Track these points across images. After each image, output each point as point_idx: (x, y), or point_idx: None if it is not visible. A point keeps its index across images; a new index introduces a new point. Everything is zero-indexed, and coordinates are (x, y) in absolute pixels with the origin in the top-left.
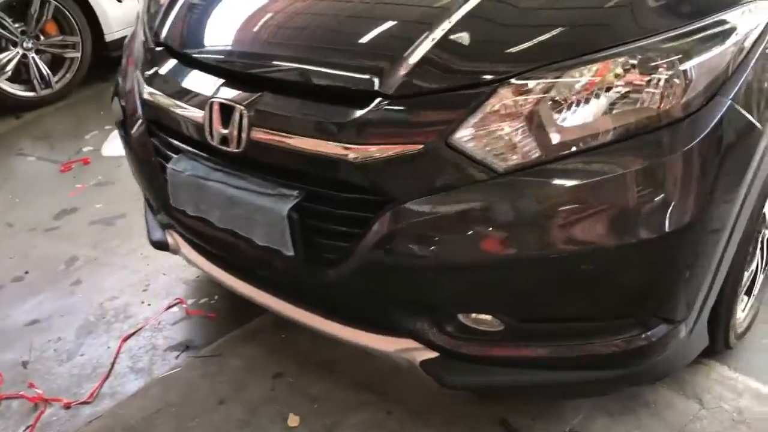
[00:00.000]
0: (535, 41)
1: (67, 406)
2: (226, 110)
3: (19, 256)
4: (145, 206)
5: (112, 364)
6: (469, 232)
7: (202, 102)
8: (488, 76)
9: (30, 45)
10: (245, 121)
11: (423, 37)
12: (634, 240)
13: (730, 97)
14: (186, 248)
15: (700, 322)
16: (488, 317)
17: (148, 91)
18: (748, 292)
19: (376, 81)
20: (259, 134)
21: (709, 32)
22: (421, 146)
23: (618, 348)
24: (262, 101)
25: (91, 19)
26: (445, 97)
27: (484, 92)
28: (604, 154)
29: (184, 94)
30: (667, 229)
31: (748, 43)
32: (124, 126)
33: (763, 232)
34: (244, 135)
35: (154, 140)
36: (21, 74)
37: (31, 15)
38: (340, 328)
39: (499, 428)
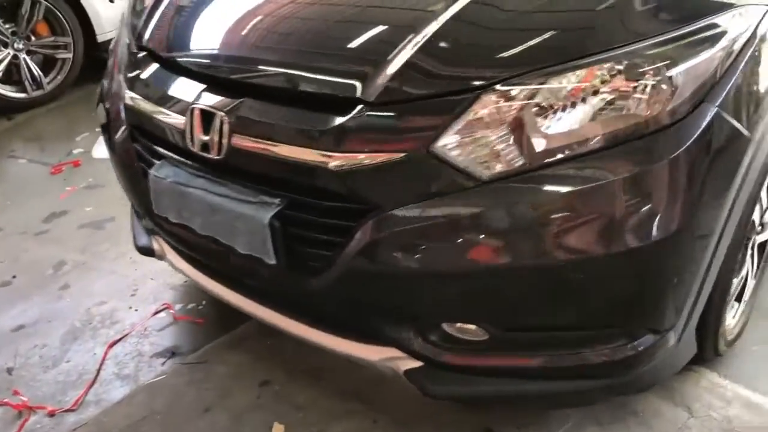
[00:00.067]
0: (519, 47)
1: (52, 414)
2: (207, 116)
3: (9, 260)
4: (132, 211)
5: (98, 371)
6: (453, 242)
7: (183, 108)
8: (471, 83)
9: (21, 46)
10: (226, 128)
11: (405, 42)
12: (619, 249)
13: (717, 103)
14: (171, 254)
15: (688, 331)
16: (472, 326)
17: (129, 96)
18: (739, 298)
19: (358, 88)
20: (240, 141)
21: (697, 37)
22: (404, 154)
23: (604, 358)
24: (243, 107)
25: (83, 19)
26: (428, 104)
27: (467, 99)
28: (590, 161)
29: (166, 100)
30: (653, 238)
31: (736, 48)
32: (107, 130)
33: (753, 238)
34: (224, 142)
35: (137, 145)
36: (12, 75)
37: (22, 16)
38: (324, 336)
39: None
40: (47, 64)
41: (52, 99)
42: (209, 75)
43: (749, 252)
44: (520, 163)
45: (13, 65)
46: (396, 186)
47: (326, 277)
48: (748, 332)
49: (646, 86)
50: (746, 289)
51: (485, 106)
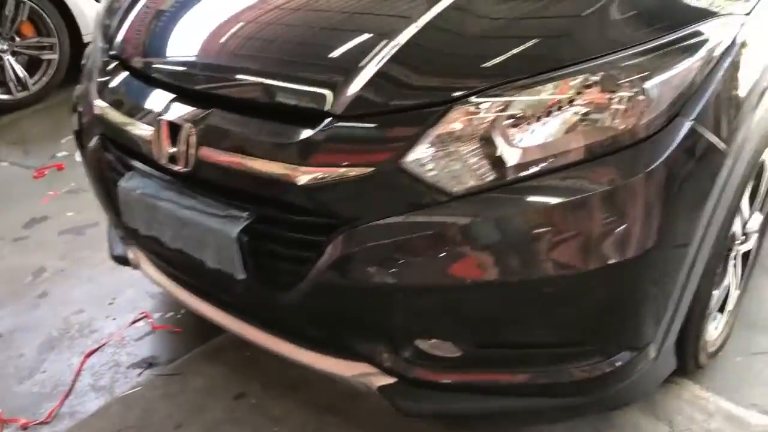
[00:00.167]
0: (493, 57)
1: (25, 427)
2: (175, 128)
3: None
4: (108, 219)
5: (73, 383)
6: (423, 258)
7: (151, 118)
8: (442, 95)
9: (5, 47)
10: (193, 140)
11: (375, 53)
12: (592, 265)
13: (694, 116)
14: (146, 264)
15: (666, 346)
16: (445, 343)
17: (99, 104)
18: (722, 309)
19: (326, 99)
20: (207, 153)
21: (677, 47)
22: (373, 169)
23: (580, 375)
24: (211, 119)
25: (69, 20)
26: (398, 116)
27: (438, 112)
28: (564, 175)
29: (134, 109)
30: (627, 255)
31: (715, 59)
32: (79, 137)
33: (734, 249)
34: (192, 154)
35: (107, 155)
36: None
37: (6, 16)
38: (297, 351)
39: None
40: (32, 65)
41: (37, 100)
42: (177, 85)
43: (732, 263)
44: (492, 177)
45: None
46: (366, 201)
47: (297, 292)
48: (732, 342)
49: (621, 98)
50: (729, 299)
51: (457, 120)
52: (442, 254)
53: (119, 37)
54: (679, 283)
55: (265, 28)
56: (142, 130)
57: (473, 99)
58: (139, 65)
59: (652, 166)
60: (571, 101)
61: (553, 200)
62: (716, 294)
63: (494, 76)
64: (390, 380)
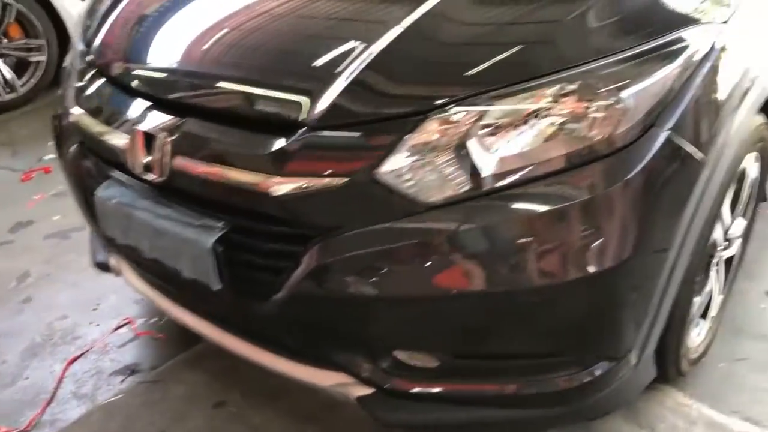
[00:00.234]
0: (469, 66)
1: None
2: (150, 137)
3: None
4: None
5: (55, 390)
6: (398, 268)
7: (126, 127)
8: (417, 105)
9: None
10: (168, 149)
11: (350, 61)
12: (568, 276)
13: (671, 126)
14: (127, 272)
15: (646, 355)
16: (421, 353)
17: (75, 111)
18: (705, 315)
19: (300, 109)
20: (182, 163)
21: (655, 55)
22: (347, 179)
23: (559, 385)
24: (186, 128)
25: (56, 21)
26: (372, 126)
27: (413, 122)
28: (540, 186)
29: (109, 117)
30: (603, 265)
31: (693, 69)
32: (58, 144)
33: (716, 255)
34: (167, 163)
35: (85, 162)
36: None
37: None
38: (275, 360)
39: None
40: (20, 67)
41: (26, 102)
42: (153, 93)
43: (714, 269)
44: (467, 188)
45: None
46: (341, 211)
47: (273, 303)
48: (716, 348)
49: (598, 108)
50: (712, 305)
51: (432, 129)
52: (418, 265)
53: (97, 42)
54: (657, 292)
55: (240, 37)
56: (117, 138)
57: (449, 108)
58: (116, 72)
59: (629, 176)
60: (548, 110)
61: (530, 210)
62: (698, 301)
63: (471, 84)
64: (368, 390)
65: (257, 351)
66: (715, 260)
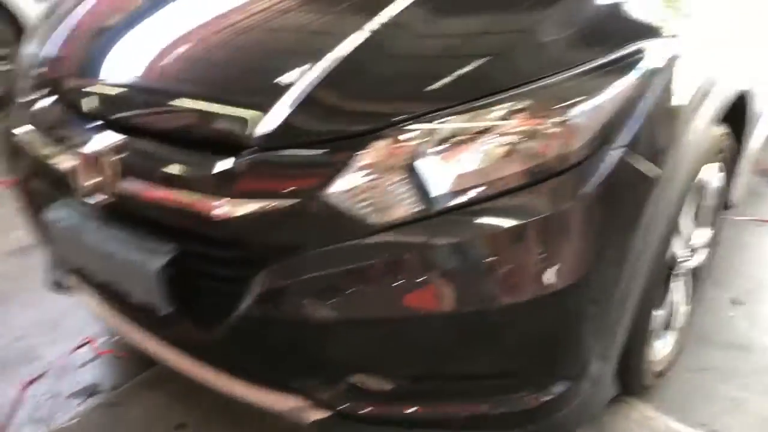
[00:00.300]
0: (421, 84)
1: None
2: (95, 158)
3: None
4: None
5: (11, 414)
6: (347, 292)
7: (72, 147)
8: (367, 124)
9: None
10: (114, 170)
11: (297, 79)
12: (522, 296)
13: (625, 143)
14: (83, 293)
15: (606, 371)
16: (373, 377)
17: (21, 128)
18: (670, 326)
19: (248, 128)
20: (128, 185)
21: (607, 70)
22: (296, 200)
23: (517, 406)
24: (133, 148)
25: (21, 30)
26: (322, 146)
27: (361, 141)
28: (491, 205)
29: (57, 136)
30: (555, 285)
31: (647, 83)
32: (8, 159)
33: (677, 267)
34: (113, 185)
35: (34, 181)
36: None
37: None
38: (232, 384)
39: None
40: None
41: None
42: (101, 113)
43: (676, 282)
44: (418, 209)
45: None
46: (291, 234)
47: (222, 327)
48: (683, 357)
49: (551, 125)
50: (677, 316)
51: (382, 148)
52: (368, 288)
53: (49, 54)
54: (613, 309)
55: (191, 53)
56: (63, 160)
57: (401, 126)
58: (65, 88)
59: (581, 193)
60: (500, 128)
61: (483, 230)
62: (659, 314)
63: (423, 102)
64: (324, 414)
65: (212, 374)
66: (676, 272)
